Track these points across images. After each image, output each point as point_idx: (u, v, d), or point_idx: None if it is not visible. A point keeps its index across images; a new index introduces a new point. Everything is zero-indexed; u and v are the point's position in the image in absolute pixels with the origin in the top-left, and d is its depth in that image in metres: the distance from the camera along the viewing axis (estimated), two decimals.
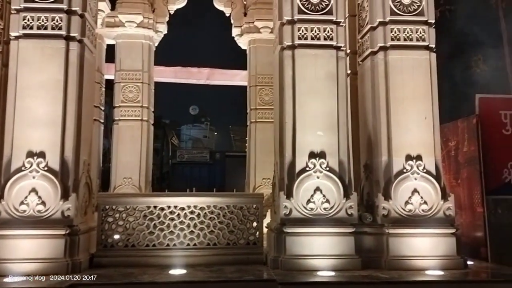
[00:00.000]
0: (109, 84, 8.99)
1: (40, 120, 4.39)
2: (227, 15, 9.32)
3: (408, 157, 4.78)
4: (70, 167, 4.44)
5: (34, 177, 4.33)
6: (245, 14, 8.97)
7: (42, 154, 4.37)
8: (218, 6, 9.24)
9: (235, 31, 9.17)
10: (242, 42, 9.21)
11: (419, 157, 4.78)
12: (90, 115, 4.97)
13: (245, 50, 9.25)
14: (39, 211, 4.28)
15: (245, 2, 9.02)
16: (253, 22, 8.76)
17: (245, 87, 9.30)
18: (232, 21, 9.20)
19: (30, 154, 4.36)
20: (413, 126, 4.81)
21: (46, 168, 4.35)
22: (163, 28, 8.94)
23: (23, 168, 4.33)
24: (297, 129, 4.74)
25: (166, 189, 11.89)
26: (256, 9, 8.74)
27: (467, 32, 12.82)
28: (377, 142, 4.93)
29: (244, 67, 9.98)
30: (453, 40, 12.72)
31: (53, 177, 4.34)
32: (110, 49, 8.84)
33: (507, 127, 6.71)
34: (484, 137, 6.57)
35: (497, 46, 13.04)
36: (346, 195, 4.65)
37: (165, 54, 10.82)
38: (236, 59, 10.77)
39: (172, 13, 9.15)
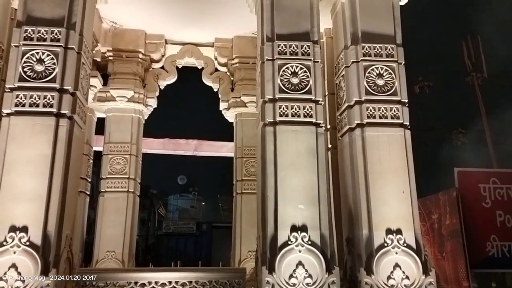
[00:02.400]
0: (98, 154, 9.13)
1: (26, 195, 4.44)
2: (215, 90, 9.73)
3: (389, 231, 4.85)
4: (52, 242, 4.43)
5: (15, 252, 4.30)
6: (232, 90, 9.38)
7: (25, 229, 4.37)
8: (207, 82, 9.66)
9: (222, 105, 9.53)
10: (229, 116, 9.54)
11: (399, 231, 4.86)
12: (75, 189, 5.04)
13: (232, 123, 9.57)
14: (17, 287, 4.20)
15: (232, 78, 9.47)
16: (240, 97, 9.13)
17: (232, 158, 9.50)
18: (219, 96, 9.58)
19: (13, 229, 4.36)
20: (391, 200, 4.94)
21: (28, 243, 4.33)
22: (153, 103, 9.26)
23: (4, 243, 4.31)
24: (278, 203, 4.84)
25: (151, 262, 11.62)
26: (242, 85, 9.14)
27: (446, 107, 13.47)
28: (358, 215, 5.03)
29: (231, 139, 10.25)
30: (433, 114, 13.31)
31: (34, 252, 4.31)
32: (100, 121, 9.09)
33: (486, 200, 6.89)
34: (465, 210, 6.71)
35: (476, 120, 13.65)
36: (329, 270, 4.65)
37: (153, 126, 11.09)
38: (223, 131, 11.08)
39: (162, 88, 9.55)
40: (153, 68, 9.34)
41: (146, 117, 9.34)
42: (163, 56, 9.28)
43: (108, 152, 8.58)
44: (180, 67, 9.57)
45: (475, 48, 14.00)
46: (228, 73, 9.52)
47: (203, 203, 25.70)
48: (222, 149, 11.48)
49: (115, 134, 8.73)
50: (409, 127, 5.22)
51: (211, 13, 8.38)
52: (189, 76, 10.29)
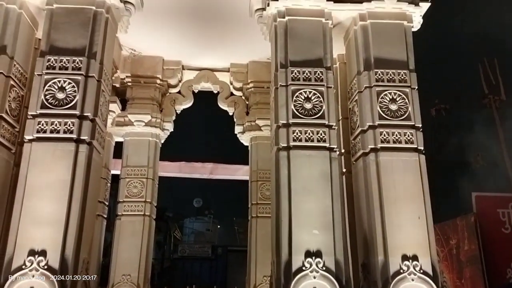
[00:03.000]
0: (115, 177, 9.28)
1: (45, 219, 4.56)
2: (231, 114, 9.86)
3: (404, 257, 4.80)
4: (69, 266, 4.51)
5: (33, 276, 4.39)
6: (247, 113, 9.51)
7: (43, 253, 4.47)
8: (222, 106, 9.81)
9: (237, 129, 9.64)
10: (244, 139, 9.63)
11: (415, 257, 4.80)
12: (93, 213, 5.14)
13: (247, 146, 9.66)
14: None
15: (247, 102, 9.61)
16: (255, 121, 9.24)
17: (247, 180, 9.54)
18: (235, 119, 9.71)
19: (32, 253, 4.46)
20: (407, 225, 4.90)
21: (46, 267, 4.42)
22: (170, 127, 9.43)
23: (23, 267, 4.42)
24: (293, 227, 4.85)
25: (166, 286, 11.61)
26: (257, 109, 9.26)
27: (463, 130, 13.33)
28: (373, 241, 4.99)
29: (246, 162, 10.31)
30: (450, 137, 13.18)
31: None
32: (118, 145, 9.28)
33: (506, 225, 6.75)
34: (483, 236, 6.59)
35: (494, 143, 13.45)
36: None
37: (169, 149, 11.24)
38: (238, 154, 11.16)
39: (178, 113, 9.73)
40: (170, 93, 9.55)
41: (162, 141, 9.51)
42: (180, 81, 9.50)
43: (125, 175, 8.72)
44: (196, 92, 9.77)
45: (492, 71, 13.92)
46: (243, 97, 9.67)
47: (219, 226, 25.58)
48: (237, 172, 11.55)
49: (132, 157, 8.89)
50: (423, 151, 5.21)
51: (226, 40, 8.60)
52: (205, 100, 10.47)
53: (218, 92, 9.69)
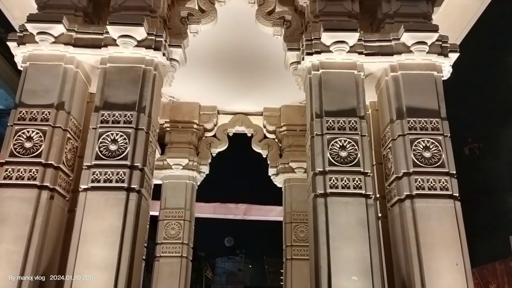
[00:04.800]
0: (153, 218, 9.61)
1: (98, 264, 4.86)
2: (264, 156, 10.16)
3: None
4: None
5: None
6: (281, 156, 9.79)
7: None
8: (256, 148, 10.13)
9: (271, 171, 9.90)
10: (278, 181, 9.86)
11: None
12: (141, 257, 5.41)
13: (280, 187, 9.88)
14: None
15: (280, 145, 9.91)
16: (288, 163, 9.49)
17: (279, 220, 9.69)
18: (268, 162, 9.99)
19: None
20: (445, 272, 4.95)
21: None
22: (206, 169, 9.80)
23: None
24: (332, 274, 4.97)
25: None
26: (290, 151, 9.54)
27: (498, 169, 13.16)
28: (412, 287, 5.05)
29: (279, 202, 10.49)
30: (485, 176, 13.03)
31: None
32: (157, 187, 9.66)
33: None
34: None
35: None
36: None
37: (204, 190, 11.57)
38: (272, 194, 11.36)
39: (214, 155, 10.10)
40: (206, 136, 9.99)
41: (199, 183, 9.85)
42: (215, 125, 9.95)
43: (163, 217, 9.06)
44: (231, 135, 10.17)
45: None
46: (276, 140, 9.99)
47: (250, 266, 25.41)
48: (271, 213, 11.73)
49: (170, 200, 9.25)
50: (459, 198, 5.31)
51: (260, 86, 9.04)
52: (239, 142, 10.83)
53: (252, 135, 10.06)
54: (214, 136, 9.97)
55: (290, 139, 9.59)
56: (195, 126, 9.61)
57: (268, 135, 10.03)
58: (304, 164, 9.05)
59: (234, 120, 9.97)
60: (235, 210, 11.99)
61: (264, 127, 9.96)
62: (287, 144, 9.62)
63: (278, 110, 9.78)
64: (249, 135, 10.16)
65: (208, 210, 11.76)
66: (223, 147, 10.01)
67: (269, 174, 9.95)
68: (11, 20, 7.79)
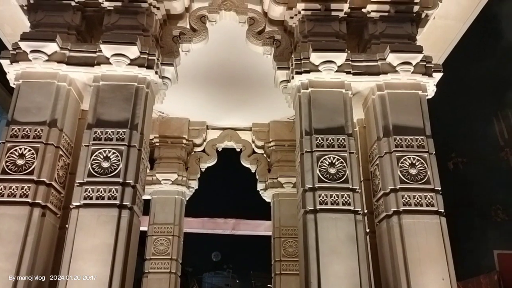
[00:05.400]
0: (141, 234, 9.57)
1: (90, 282, 4.87)
2: (253, 171, 10.26)
3: None
4: None
5: None
6: (269, 171, 9.91)
7: None
8: (245, 163, 10.23)
9: (260, 186, 10.00)
10: (267, 196, 9.96)
11: None
12: (132, 274, 5.42)
13: (268, 201, 9.98)
14: None
15: (269, 160, 10.03)
16: (277, 178, 9.61)
17: (268, 234, 9.74)
18: (257, 177, 10.08)
19: None
20: (432, 287, 5.08)
21: None
22: (195, 184, 9.85)
23: None
24: None
25: None
26: (279, 166, 9.66)
27: (482, 183, 13.44)
28: None
29: (267, 217, 10.56)
30: (469, 190, 13.29)
31: None
32: (145, 202, 9.66)
33: None
34: None
35: None
36: None
37: (193, 205, 11.59)
38: (260, 209, 11.44)
39: (203, 170, 10.16)
40: (195, 151, 10.06)
41: (187, 198, 9.88)
42: (204, 140, 10.04)
43: (152, 233, 9.06)
44: (220, 150, 10.26)
45: (506, 125, 14.24)
46: (265, 155, 10.12)
47: (237, 281, 25.26)
48: (259, 227, 11.80)
49: (159, 215, 9.26)
50: (444, 214, 5.47)
51: (248, 101, 9.18)
52: (228, 157, 10.92)
53: (241, 150, 10.16)
54: (203, 151, 10.04)
55: (279, 154, 9.72)
56: (184, 141, 9.68)
57: (256, 150, 10.15)
58: (293, 179, 9.19)
59: (223, 135, 10.08)
60: (223, 225, 12.03)
61: (253, 142, 10.08)
62: (275, 159, 9.75)
63: (267, 125, 9.92)
64: (238, 150, 10.27)
65: (197, 225, 11.78)
66: (212, 162, 10.09)
67: (258, 189, 10.05)
68: (1, 37, 7.84)
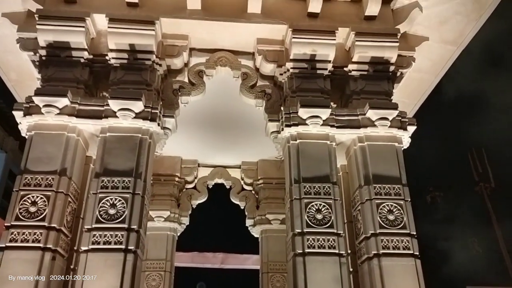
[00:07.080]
0: None
1: None
2: (242, 207, 10.75)
3: None
4: None
5: None
6: (258, 207, 10.41)
7: None
8: (234, 200, 10.74)
9: (248, 222, 10.48)
10: (255, 231, 10.44)
11: None
12: None
13: (257, 237, 10.44)
14: None
15: (257, 197, 10.55)
16: (265, 215, 10.11)
17: (256, 268, 10.10)
18: (246, 213, 10.58)
19: None
20: None
21: None
22: (186, 221, 10.29)
23: None
24: None
25: None
26: (267, 203, 10.18)
27: (459, 217, 14.13)
28: None
29: (255, 251, 10.98)
30: (447, 225, 13.95)
31: None
32: None
33: None
34: None
35: (488, 229, 14.22)
36: None
37: (183, 240, 11.94)
38: (248, 243, 11.84)
39: (194, 207, 10.62)
40: (186, 188, 10.54)
41: (179, 234, 10.29)
42: (195, 178, 10.54)
43: (145, 269, 9.39)
44: (210, 187, 10.75)
45: (481, 160, 15.11)
46: (254, 192, 10.65)
47: None
48: (247, 261, 12.20)
49: (152, 251, 9.64)
50: (419, 256, 6.07)
51: (238, 141, 9.78)
52: (218, 194, 11.39)
53: (231, 187, 10.68)
54: (195, 188, 10.52)
55: (267, 192, 10.25)
56: (176, 179, 10.16)
57: (245, 187, 10.68)
58: (280, 215, 9.72)
59: (213, 173, 10.60)
60: (212, 259, 12.40)
61: (242, 179, 10.61)
62: (263, 196, 10.27)
63: (255, 164, 10.49)
64: (227, 187, 10.77)
65: (186, 259, 12.12)
66: (203, 198, 10.56)
67: (247, 224, 10.53)
68: (6, 82, 8.32)
